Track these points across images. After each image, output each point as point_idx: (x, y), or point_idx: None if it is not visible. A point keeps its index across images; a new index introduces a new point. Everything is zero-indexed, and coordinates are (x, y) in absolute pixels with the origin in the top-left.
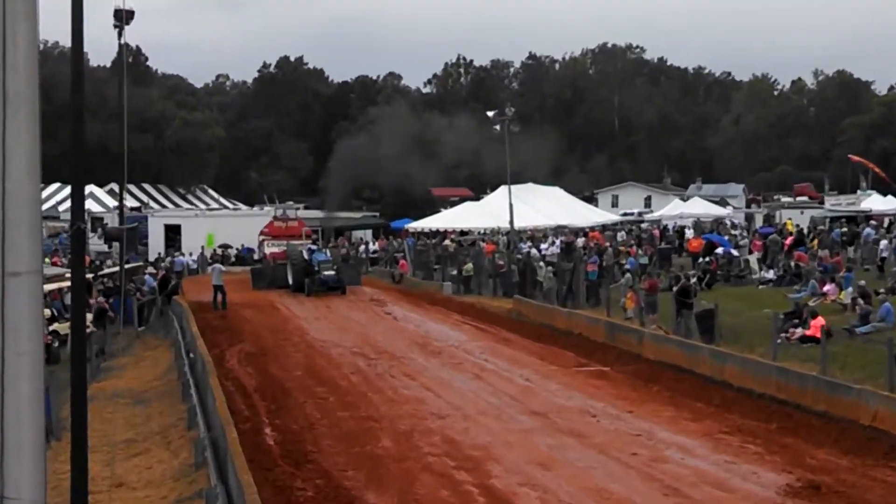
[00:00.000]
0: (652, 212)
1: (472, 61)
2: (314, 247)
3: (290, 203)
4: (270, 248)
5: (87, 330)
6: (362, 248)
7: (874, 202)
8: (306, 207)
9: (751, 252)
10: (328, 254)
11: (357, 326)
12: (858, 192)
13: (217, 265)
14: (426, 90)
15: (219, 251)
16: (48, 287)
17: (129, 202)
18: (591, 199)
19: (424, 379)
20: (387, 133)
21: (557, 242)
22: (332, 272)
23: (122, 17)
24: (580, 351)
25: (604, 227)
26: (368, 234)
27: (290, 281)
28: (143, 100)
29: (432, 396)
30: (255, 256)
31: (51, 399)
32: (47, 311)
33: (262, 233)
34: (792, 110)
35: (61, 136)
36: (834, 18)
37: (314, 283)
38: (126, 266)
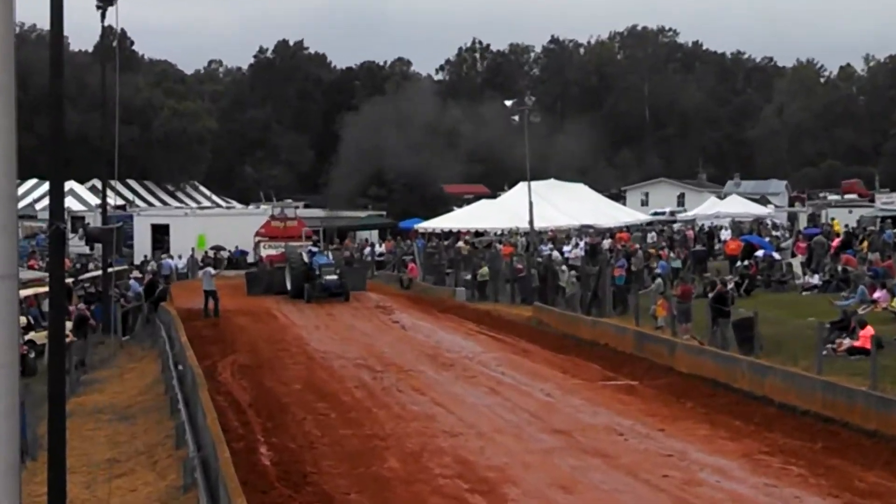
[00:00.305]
0: (685, 211)
1: (488, 46)
2: (315, 249)
3: (289, 201)
4: (267, 251)
5: (67, 339)
6: (367, 250)
7: None
8: (306, 206)
9: (794, 255)
10: (330, 257)
11: (361, 336)
12: None
13: (208, 269)
14: (438, 77)
15: (210, 254)
16: (24, 293)
17: (113, 200)
18: (618, 197)
19: (435, 394)
20: (395, 123)
21: (582, 244)
22: (335, 276)
23: None
24: (606, 363)
25: (632, 228)
26: (374, 234)
27: (289, 286)
28: (128, 88)
29: (444, 413)
30: (250, 259)
31: (26, 415)
32: (23, 319)
33: (257, 233)
34: (840, 99)
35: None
36: None
37: (314, 289)
38: (109, 270)
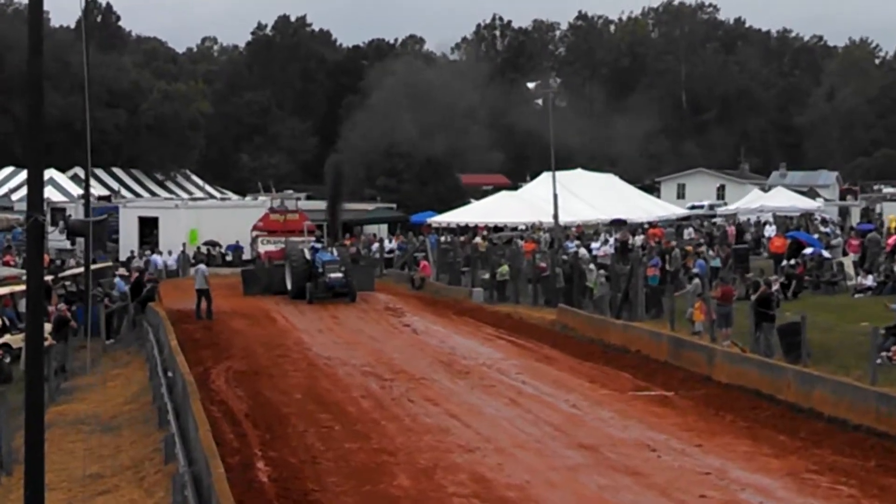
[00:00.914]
0: (726, 204)
1: (509, 22)
2: (318, 245)
3: (290, 192)
4: (266, 246)
5: (46, 343)
6: (375, 246)
7: None
8: (308, 197)
9: (845, 254)
10: (335, 253)
11: (369, 341)
12: None
13: (201, 266)
14: (454, 57)
15: (203, 249)
16: None
17: (97, 190)
18: (652, 189)
19: (450, 404)
20: (407, 107)
21: (611, 241)
22: (340, 274)
23: None
24: (638, 372)
25: (667, 223)
26: (383, 229)
27: (289, 286)
28: (113, 68)
29: (459, 426)
30: (246, 256)
31: (1, 426)
32: None
33: (255, 227)
34: None
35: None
36: None
37: (317, 288)
38: (92, 267)
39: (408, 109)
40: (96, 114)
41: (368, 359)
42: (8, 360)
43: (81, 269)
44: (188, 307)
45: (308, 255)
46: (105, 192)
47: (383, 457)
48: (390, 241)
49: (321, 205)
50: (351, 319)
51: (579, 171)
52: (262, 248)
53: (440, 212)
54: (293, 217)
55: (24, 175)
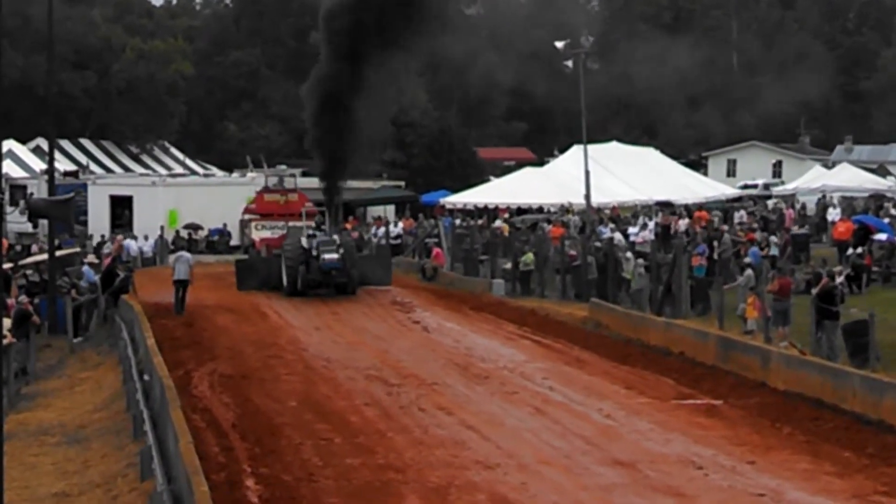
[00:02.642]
0: (783, 183)
1: None
2: (317, 232)
3: (283, 167)
4: (260, 232)
5: (4, 341)
6: (380, 231)
7: None
8: (304, 173)
9: None
10: (337, 240)
11: (373, 340)
12: None
13: (184, 253)
14: (470, 11)
15: (184, 234)
16: None
17: (62, 164)
18: (698, 165)
19: (466, 414)
20: (416, 69)
21: (651, 225)
22: (335, 255)
23: None
24: (682, 377)
25: (716, 205)
26: (390, 211)
27: (284, 280)
28: (81, 23)
29: (476, 438)
30: (233, 242)
31: None
32: None
33: (247, 210)
34: None
35: None
36: None
37: (309, 272)
38: (57, 253)
39: (416, 73)
40: (61, 76)
41: (373, 361)
42: None
43: (45, 256)
44: (167, 300)
45: (305, 244)
46: (72, 167)
47: (390, 474)
48: (397, 225)
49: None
50: (353, 315)
51: (614, 144)
52: (256, 235)
53: (455, 191)
54: (292, 198)
55: None
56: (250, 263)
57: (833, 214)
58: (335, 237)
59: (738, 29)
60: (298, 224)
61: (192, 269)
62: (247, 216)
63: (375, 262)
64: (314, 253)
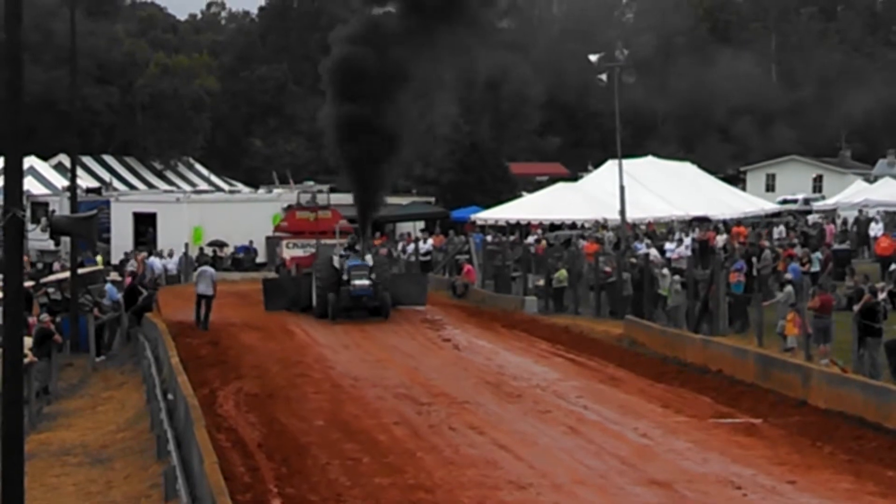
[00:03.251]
0: (823, 198)
1: None
2: (348, 252)
3: (310, 183)
4: (292, 251)
5: (25, 360)
6: (410, 247)
7: None
8: (332, 189)
9: None
10: (370, 261)
11: (403, 358)
12: None
13: (207, 268)
14: (502, 24)
15: (208, 251)
16: None
17: (85, 181)
18: (736, 180)
19: (498, 433)
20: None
21: (688, 241)
22: (366, 282)
23: None
24: (720, 395)
25: (755, 220)
26: (419, 227)
27: (314, 302)
28: (104, 38)
29: (509, 458)
30: (259, 259)
31: None
32: None
33: (278, 228)
34: None
35: None
36: None
37: (340, 300)
38: (80, 271)
39: (446, 86)
40: (84, 91)
41: (402, 379)
42: None
43: (67, 274)
44: (191, 318)
45: (336, 264)
46: (95, 184)
47: (419, 494)
48: (427, 242)
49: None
50: (382, 333)
51: (650, 158)
52: (287, 254)
53: (486, 207)
54: (325, 215)
55: None
56: (279, 283)
57: (875, 230)
58: (368, 258)
59: (777, 41)
60: (329, 242)
61: (216, 284)
62: (277, 234)
63: (410, 282)
64: (345, 277)
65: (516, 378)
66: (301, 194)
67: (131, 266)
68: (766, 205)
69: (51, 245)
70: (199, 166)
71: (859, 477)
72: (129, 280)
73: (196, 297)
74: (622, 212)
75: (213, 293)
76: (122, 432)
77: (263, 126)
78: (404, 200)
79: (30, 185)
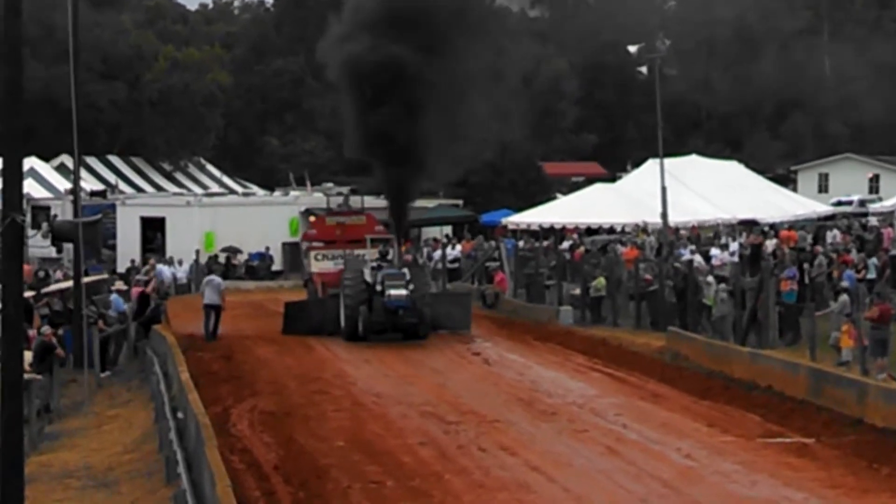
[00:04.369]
0: (880, 199)
1: None
2: (383, 263)
3: (329, 185)
4: (321, 263)
5: (26, 376)
6: (437, 254)
7: None
8: (352, 191)
9: None
10: (406, 274)
11: (429, 373)
12: None
13: (214, 277)
14: (534, 14)
15: (221, 258)
16: None
17: (89, 183)
18: (786, 180)
19: (530, 454)
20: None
21: (735, 246)
22: (403, 291)
23: None
24: (769, 413)
25: (807, 224)
26: (446, 232)
27: (342, 322)
28: (110, 30)
29: (542, 481)
30: (276, 267)
31: None
32: None
33: (306, 236)
34: None
35: None
36: None
37: (372, 313)
38: (84, 280)
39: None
40: (88, 87)
41: (428, 396)
42: None
43: (70, 283)
44: (202, 331)
45: (369, 278)
46: (99, 187)
47: None
48: (454, 248)
49: (379, 202)
50: (406, 347)
51: (694, 157)
52: (315, 267)
53: (518, 210)
54: (359, 221)
55: None
56: (302, 305)
57: None
58: (404, 270)
59: (830, 31)
60: (360, 252)
61: (223, 294)
62: (305, 243)
63: (452, 303)
64: (378, 288)
65: (550, 395)
66: (331, 198)
67: (143, 275)
68: (818, 207)
69: (52, 252)
70: (210, 167)
71: None
72: (139, 289)
73: (204, 309)
74: (664, 215)
75: (220, 303)
76: (128, 453)
77: (279, 123)
78: (430, 203)
79: (30, 187)
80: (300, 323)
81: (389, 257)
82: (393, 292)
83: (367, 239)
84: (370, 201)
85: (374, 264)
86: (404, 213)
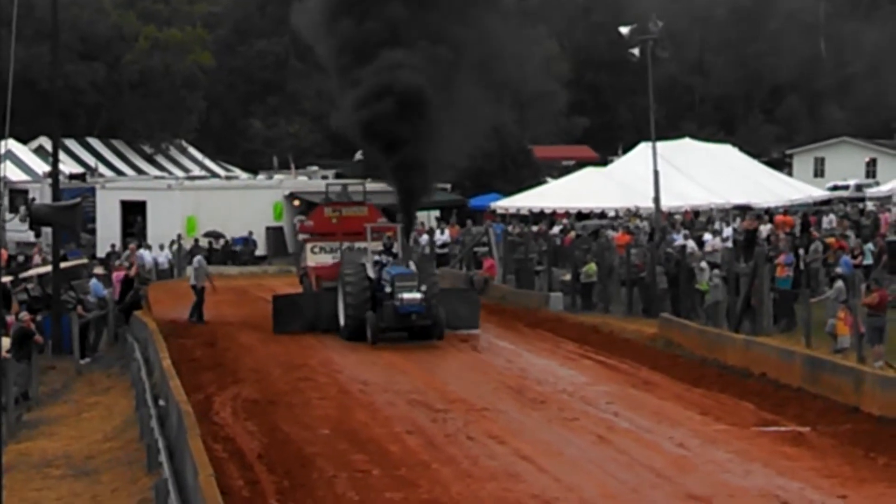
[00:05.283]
0: (877, 183)
1: None
2: (386, 257)
3: (314, 168)
4: (318, 257)
5: (3, 362)
6: (424, 238)
7: None
8: (338, 175)
9: None
10: (413, 269)
11: (417, 361)
12: None
13: (197, 257)
14: None
15: (204, 243)
16: None
17: (68, 166)
18: (781, 165)
19: (520, 443)
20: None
21: (728, 231)
22: (417, 295)
23: None
24: (764, 401)
25: (802, 208)
26: (434, 216)
27: (342, 319)
28: (89, 9)
29: (532, 470)
30: (259, 252)
31: None
32: None
33: (303, 228)
34: None
35: None
36: None
37: (383, 319)
38: (62, 265)
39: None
40: (66, 68)
41: (416, 384)
42: None
43: (48, 268)
44: (184, 316)
45: (372, 274)
46: (78, 169)
47: None
48: (442, 233)
49: (377, 186)
50: (395, 335)
51: (686, 140)
52: (312, 260)
53: (507, 194)
54: (358, 212)
55: None
56: (294, 300)
57: None
58: (411, 265)
59: (825, 11)
60: (360, 244)
61: (210, 275)
62: (302, 236)
63: (458, 300)
64: (388, 290)
65: (540, 382)
66: (330, 186)
67: (124, 260)
68: (814, 191)
69: (31, 236)
70: (192, 150)
71: None
72: (122, 273)
73: (194, 291)
74: (656, 199)
75: (203, 284)
76: (109, 441)
77: (263, 105)
78: None
79: (7, 170)
80: (292, 319)
81: (394, 250)
82: (406, 296)
83: (367, 228)
84: (371, 188)
85: (377, 258)
86: (413, 200)
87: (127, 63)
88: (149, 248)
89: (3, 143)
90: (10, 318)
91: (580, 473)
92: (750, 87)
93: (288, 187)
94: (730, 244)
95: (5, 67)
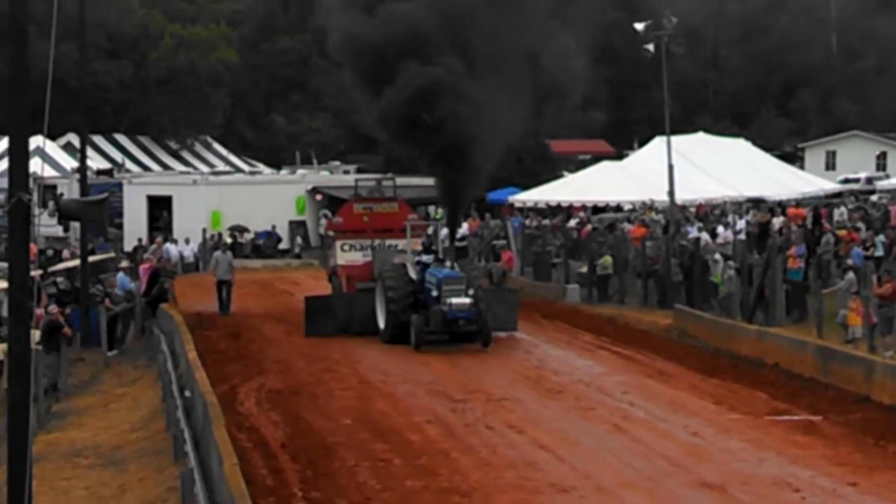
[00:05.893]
0: (888, 176)
1: None
2: (427, 258)
3: (336, 163)
4: (348, 255)
5: (33, 354)
6: (444, 232)
7: None
8: (359, 170)
9: None
10: (458, 270)
11: (436, 352)
12: None
13: (220, 253)
14: None
15: (227, 237)
16: None
17: (96, 162)
18: (793, 158)
19: (538, 432)
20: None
21: (742, 224)
22: (466, 300)
23: None
24: (776, 391)
25: (814, 201)
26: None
27: (381, 323)
28: (116, 8)
29: (550, 459)
30: (283, 245)
31: None
32: None
33: (331, 225)
34: None
35: None
36: None
37: (429, 324)
38: (90, 259)
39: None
40: (94, 66)
41: (435, 374)
42: None
43: (77, 262)
44: (209, 309)
45: (413, 275)
46: (106, 165)
47: (454, 498)
48: (461, 226)
49: (415, 181)
50: None
51: (701, 135)
52: (342, 259)
53: (525, 188)
54: (389, 208)
55: (4, 144)
56: (325, 301)
57: None
58: (457, 269)
59: (837, 6)
60: (392, 242)
61: (233, 268)
62: (330, 232)
63: (498, 301)
64: (434, 293)
65: (557, 373)
66: (358, 181)
67: (150, 254)
68: (825, 184)
69: (59, 231)
70: (217, 146)
71: None
72: (149, 265)
73: (217, 284)
74: (671, 193)
75: (229, 278)
76: (136, 432)
77: (286, 102)
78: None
79: (36, 166)
80: (324, 321)
81: (434, 249)
82: (455, 301)
83: (407, 226)
84: (402, 182)
85: (419, 258)
86: (459, 195)
87: (153, 61)
88: (174, 242)
89: (33, 140)
90: (39, 312)
91: (597, 462)
92: (763, 82)
93: (310, 182)
94: (743, 236)
95: (34, 65)
